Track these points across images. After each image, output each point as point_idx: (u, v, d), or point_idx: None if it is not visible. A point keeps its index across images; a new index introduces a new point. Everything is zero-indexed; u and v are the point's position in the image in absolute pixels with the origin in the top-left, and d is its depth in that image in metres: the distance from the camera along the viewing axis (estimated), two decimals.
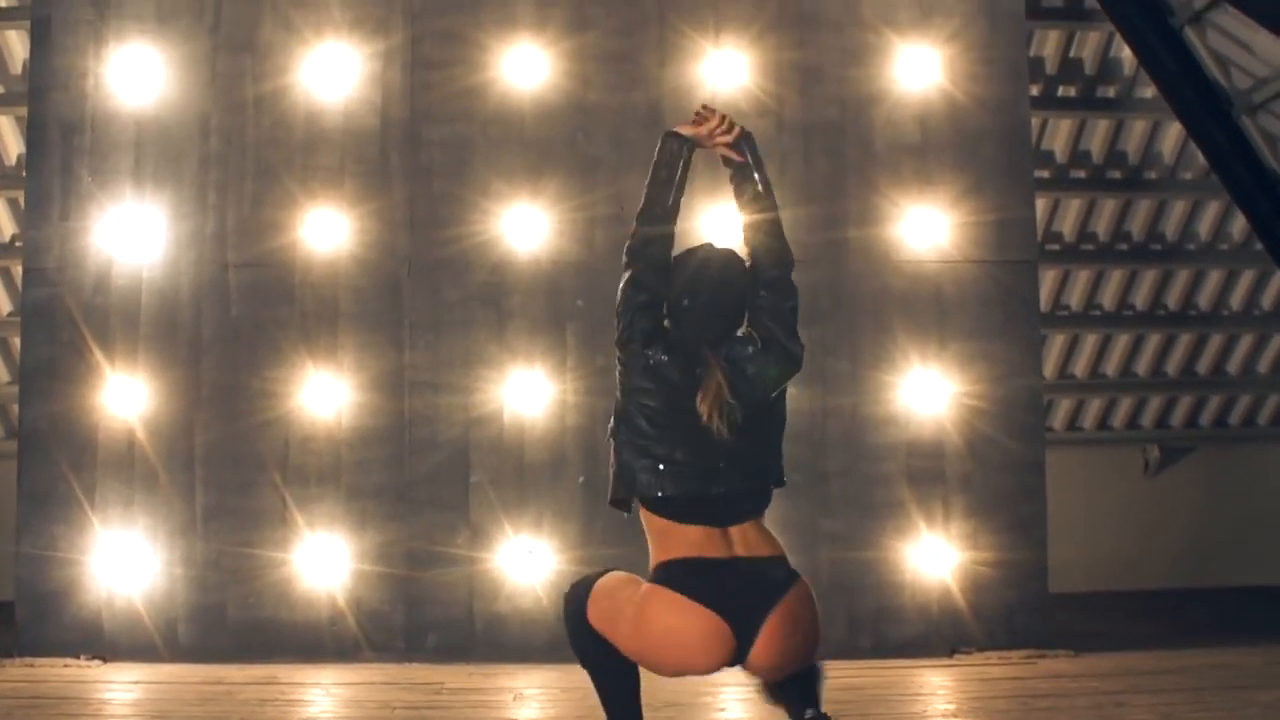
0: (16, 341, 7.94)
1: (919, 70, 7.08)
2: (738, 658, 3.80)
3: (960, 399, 6.96)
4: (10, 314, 8.85)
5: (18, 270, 8.10)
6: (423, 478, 6.89)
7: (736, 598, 3.74)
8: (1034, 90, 8.52)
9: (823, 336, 6.91)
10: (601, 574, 4.04)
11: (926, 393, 6.94)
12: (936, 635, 6.91)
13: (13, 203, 8.51)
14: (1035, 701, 5.44)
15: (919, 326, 7.01)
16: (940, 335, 7.00)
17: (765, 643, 3.76)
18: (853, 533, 6.93)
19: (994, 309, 7.03)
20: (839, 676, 6.09)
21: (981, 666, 6.54)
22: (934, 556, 6.89)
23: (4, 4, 7.98)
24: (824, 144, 7.09)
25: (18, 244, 8.40)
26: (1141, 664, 6.37)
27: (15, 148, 8.44)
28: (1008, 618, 6.92)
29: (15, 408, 7.77)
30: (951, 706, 5.51)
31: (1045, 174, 9.08)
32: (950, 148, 7.09)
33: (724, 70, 7.07)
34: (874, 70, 7.12)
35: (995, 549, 6.91)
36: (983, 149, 7.09)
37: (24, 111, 7.53)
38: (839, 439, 6.97)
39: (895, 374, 6.98)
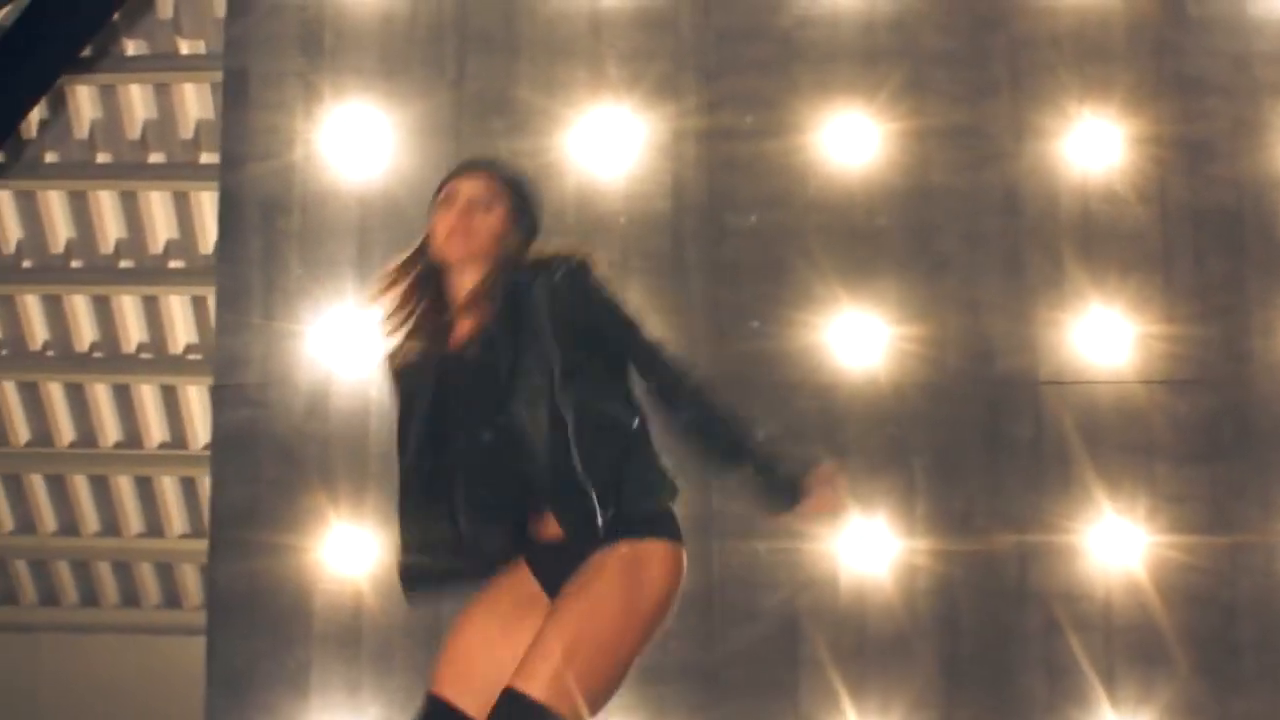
0: (202, 481, 7.00)
1: None
2: None
3: None
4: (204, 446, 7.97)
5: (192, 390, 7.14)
6: (739, 655, 5.97)
7: None
8: None
9: (1227, 475, 6.14)
10: None
11: None
12: None
13: (197, 301, 7.63)
14: None
15: None
16: None
17: None
18: (1271, 716, 6.14)
19: None
20: None
21: None
22: None
23: (185, 51, 7.06)
24: (1218, 236, 6.35)
25: (190, 356, 7.46)
26: None
27: (164, 232, 7.47)
28: None
29: (189, 569, 6.90)
30: None
31: None
32: None
33: (1094, 148, 6.30)
34: (1275, 144, 6.43)
35: None
36: None
37: (191, 185, 6.67)
38: (1251, 601, 6.18)
39: None
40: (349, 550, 5.94)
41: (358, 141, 6.18)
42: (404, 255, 3.77)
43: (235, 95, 6.24)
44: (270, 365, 6.07)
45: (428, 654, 5.95)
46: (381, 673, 5.94)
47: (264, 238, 6.15)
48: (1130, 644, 6.13)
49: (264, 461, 6.03)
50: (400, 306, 3.71)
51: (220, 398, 6.12)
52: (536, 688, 3.36)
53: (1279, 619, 6.17)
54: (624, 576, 3.46)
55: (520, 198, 3.79)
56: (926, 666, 6.04)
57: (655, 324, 6.16)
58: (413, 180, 6.19)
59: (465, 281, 3.65)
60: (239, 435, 6.04)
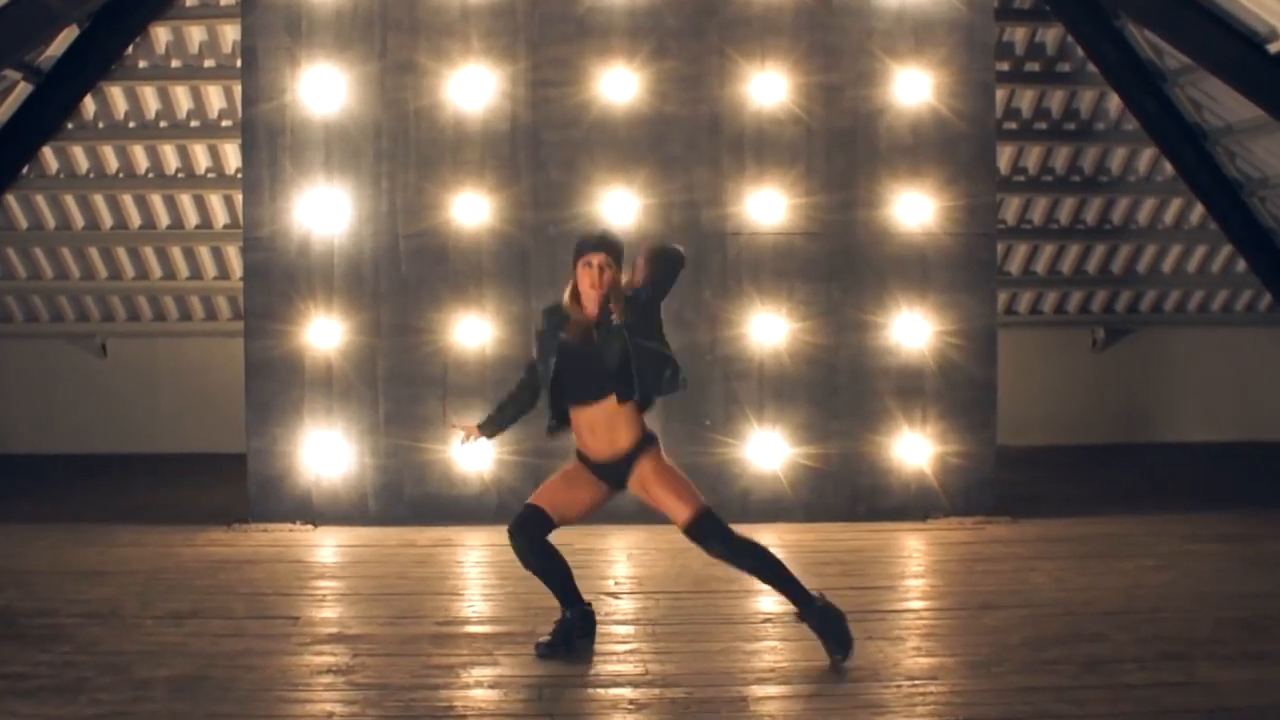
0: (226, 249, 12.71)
1: (913, 89, 10.43)
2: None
3: (937, 336, 10.50)
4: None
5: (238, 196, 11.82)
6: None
7: None
8: (1006, 66, 12.03)
9: (837, 289, 10.46)
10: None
11: (912, 331, 10.48)
12: (914, 505, 10.63)
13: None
14: (976, 565, 9.12)
15: (908, 282, 10.49)
16: (923, 289, 10.50)
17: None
18: (856, 430, 10.56)
19: (962, 270, 10.52)
20: (845, 539, 9.83)
21: (944, 531, 10.26)
22: (914, 449, 10.53)
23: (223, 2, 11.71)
24: (841, 146, 10.49)
25: (237, 175, 12.19)
26: (1056, 531, 10.03)
27: (218, 104, 12.11)
28: (965, 493, 10.60)
29: (223, 299, 13.12)
30: (921, 568, 9.22)
31: (1013, 126, 12.60)
32: (935, 148, 10.48)
33: (768, 90, 10.44)
34: (880, 89, 10.48)
35: (958, 444, 10.54)
36: (959, 150, 10.49)
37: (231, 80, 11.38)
38: (847, 363, 10.54)
39: (889, 316, 10.50)
40: (323, 333, 10.44)
41: (323, 90, 10.40)
42: (570, 284, 7.25)
43: (248, 62, 10.41)
44: (275, 225, 10.41)
45: (368, 392, 10.47)
46: (344, 402, 10.48)
47: (269, 150, 10.40)
48: (772, 388, 10.54)
49: (273, 281, 10.42)
50: (571, 299, 7.20)
51: (248, 245, 10.52)
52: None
53: (861, 373, 10.54)
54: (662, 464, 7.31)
55: (616, 254, 7.32)
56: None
57: (501, 198, 10.40)
58: (356, 114, 10.43)
59: (595, 298, 7.22)
60: (259, 266, 10.46)
